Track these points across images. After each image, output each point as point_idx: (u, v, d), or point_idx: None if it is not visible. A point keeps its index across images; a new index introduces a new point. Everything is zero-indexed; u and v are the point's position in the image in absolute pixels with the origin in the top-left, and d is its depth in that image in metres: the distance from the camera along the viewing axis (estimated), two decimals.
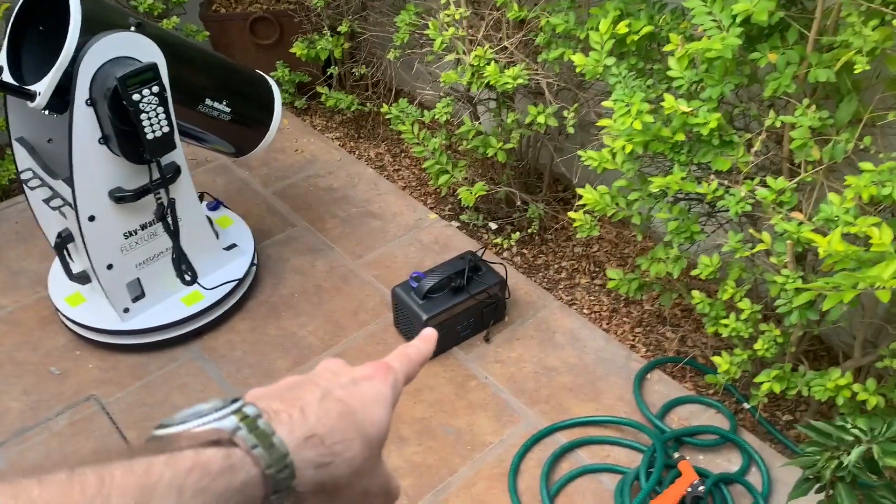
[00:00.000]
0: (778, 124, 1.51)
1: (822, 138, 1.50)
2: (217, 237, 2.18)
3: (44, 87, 1.66)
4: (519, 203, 2.41)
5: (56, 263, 2.18)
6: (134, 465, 0.42)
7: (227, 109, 2.01)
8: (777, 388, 1.66)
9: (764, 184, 1.52)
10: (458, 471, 1.80)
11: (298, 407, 0.50)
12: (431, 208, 2.61)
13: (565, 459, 1.82)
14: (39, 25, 1.77)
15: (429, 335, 0.65)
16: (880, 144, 1.51)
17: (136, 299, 2.02)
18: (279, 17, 2.84)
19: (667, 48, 1.59)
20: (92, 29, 1.67)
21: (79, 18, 1.63)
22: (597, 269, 2.37)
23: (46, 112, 1.73)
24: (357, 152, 2.88)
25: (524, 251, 2.43)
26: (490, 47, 2.00)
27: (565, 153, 2.37)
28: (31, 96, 1.67)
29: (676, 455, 1.75)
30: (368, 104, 2.86)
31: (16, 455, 1.82)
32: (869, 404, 1.55)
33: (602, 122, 1.61)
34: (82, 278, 2.06)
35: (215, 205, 2.40)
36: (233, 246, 2.22)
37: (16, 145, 1.93)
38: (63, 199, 1.88)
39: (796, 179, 1.49)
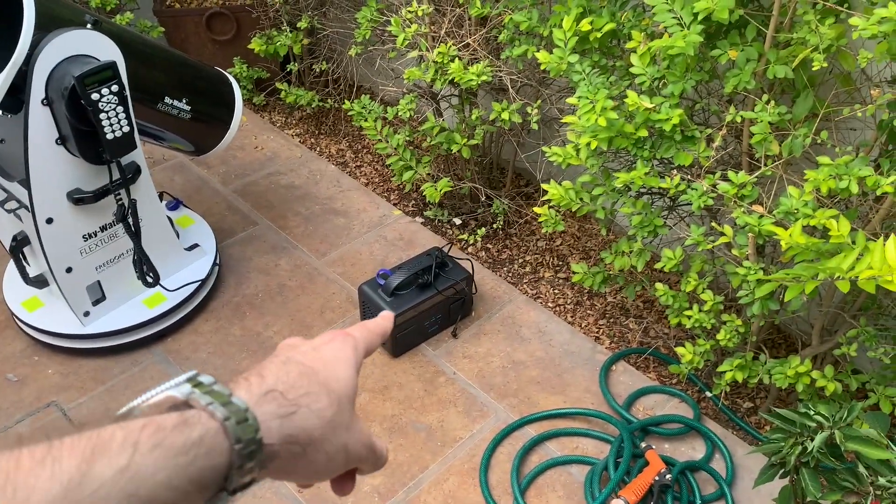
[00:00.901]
0: (738, 120, 1.54)
1: (781, 133, 1.54)
2: (178, 237, 2.15)
3: None
4: (483, 199, 2.42)
5: (10, 267, 2.12)
6: (84, 431, 0.41)
7: (188, 108, 1.98)
8: (740, 377, 1.70)
9: (725, 178, 1.56)
10: (429, 467, 1.80)
11: (256, 372, 0.50)
12: (395, 204, 2.60)
13: (535, 452, 1.84)
14: None
15: (386, 314, 0.67)
16: (835, 139, 1.56)
17: (96, 302, 1.98)
18: (236, 13, 2.80)
19: (629, 45, 1.62)
20: (46, 26, 1.63)
21: (32, 15, 1.59)
22: (560, 263, 2.40)
23: (0, 112, 1.67)
24: (318, 149, 2.86)
25: (489, 246, 2.45)
26: (453, 44, 2.00)
27: (527, 149, 2.39)
28: None
29: (643, 444, 1.79)
30: (329, 101, 2.84)
31: None
32: (827, 390, 1.60)
33: (567, 119, 1.63)
34: (39, 282, 2.01)
35: (175, 204, 2.36)
36: (194, 246, 2.19)
37: None
38: (19, 201, 1.83)
39: (757, 173, 1.52)
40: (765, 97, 1.50)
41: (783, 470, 1.32)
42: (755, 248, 1.54)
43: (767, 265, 1.59)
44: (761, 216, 1.47)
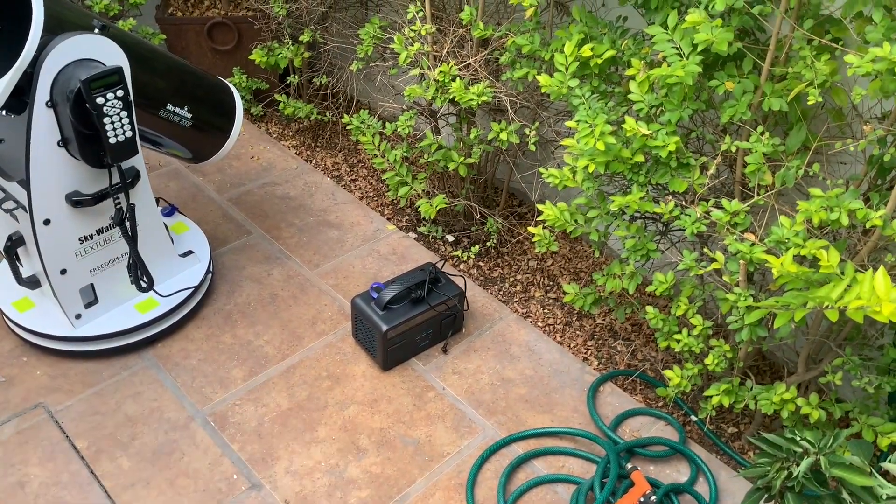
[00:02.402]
0: (733, 149, 1.58)
1: (774, 164, 1.58)
2: (172, 243, 2.15)
3: (1, 87, 1.62)
4: (477, 217, 2.45)
5: (2, 267, 2.12)
6: None
7: (189, 115, 1.99)
8: (726, 401, 1.73)
9: (718, 205, 1.59)
10: (416, 482, 1.81)
11: None
12: (389, 219, 2.62)
13: (522, 470, 1.85)
14: None
15: None
16: (826, 171, 1.60)
17: (88, 305, 1.98)
18: (238, 24, 2.83)
19: (628, 72, 1.65)
20: (53, 29, 1.64)
21: (41, 18, 1.60)
22: (551, 283, 2.42)
23: (3, 112, 1.68)
24: (314, 161, 2.87)
25: (480, 264, 2.47)
26: (454, 64, 2.03)
27: (522, 170, 2.43)
28: None
29: (629, 465, 1.81)
30: (327, 114, 2.86)
31: None
32: (812, 418, 1.63)
33: (565, 142, 1.66)
34: (32, 283, 2.01)
35: (170, 210, 2.37)
36: (189, 253, 2.19)
37: None
38: (16, 201, 1.83)
39: (749, 202, 1.56)
40: (759, 128, 1.54)
41: (768, 494, 1.34)
42: (746, 275, 1.57)
43: (756, 293, 1.62)
44: (753, 244, 1.50)
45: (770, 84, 1.54)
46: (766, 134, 1.53)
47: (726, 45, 1.45)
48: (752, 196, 1.59)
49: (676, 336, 1.77)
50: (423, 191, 2.36)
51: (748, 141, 1.55)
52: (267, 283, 2.31)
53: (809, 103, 1.41)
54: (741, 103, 1.55)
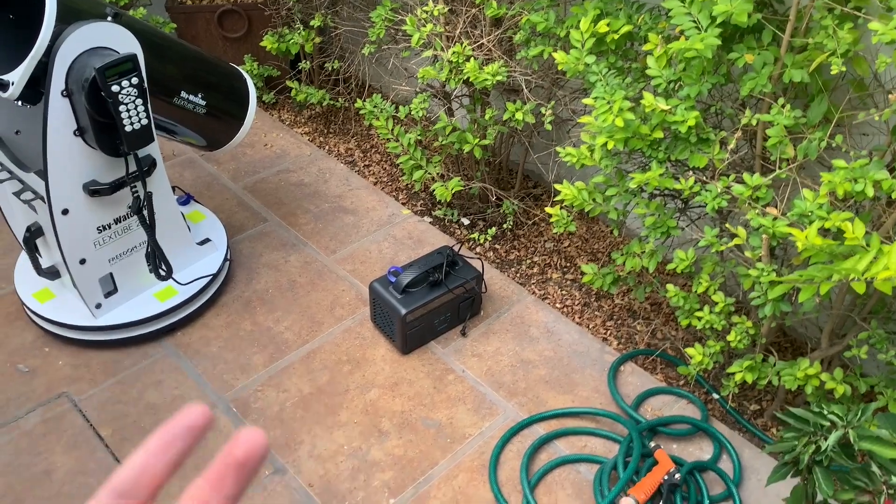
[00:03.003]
0: (753, 123, 1.56)
1: (795, 137, 1.56)
2: (189, 232, 2.15)
3: (17, 77, 1.62)
4: (493, 199, 2.43)
5: (21, 258, 2.13)
6: None
7: (203, 103, 1.99)
8: (749, 378, 1.71)
9: (739, 180, 1.57)
10: (438, 463, 1.81)
11: None
12: (404, 204, 2.62)
13: (544, 450, 1.85)
14: (9, 14, 1.73)
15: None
16: (849, 143, 1.58)
17: (108, 294, 1.98)
18: (248, 10, 2.82)
19: (645, 47, 1.63)
20: (66, 18, 1.64)
21: (54, 6, 1.60)
22: (568, 265, 2.41)
23: (19, 103, 1.68)
24: (327, 147, 2.87)
25: (496, 246, 2.46)
26: (468, 44, 2.02)
27: (537, 150, 2.41)
28: (4, 86, 1.63)
29: (652, 444, 1.80)
30: (340, 99, 2.85)
31: None
32: (836, 393, 1.62)
33: (583, 119, 1.64)
34: (52, 273, 2.02)
35: (186, 199, 2.37)
36: (206, 241, 2.20)
37: None
38: (35, 192, 1.83)
39: (771, 176, 1.54)
40: (780, 101, 1.52)
41: (795, 468, 1.33)
42: (768, 250, 1.56)
43: (779, 267, 1.60)
44: (775, 218, 1.49)
45: (790, 55, 1.51)
46: (787, 106, 1.51)
47: (746, 17, 1.42)
48: (774, 170, 1.57)
49: (698, 314, 1.76)
50: (438, 174, 2.35)
51: (769, 114, 1.53)
52: (284, 269, 2.31)
53: (833, 73, 1.38)
54: (761, 76, 1.53)
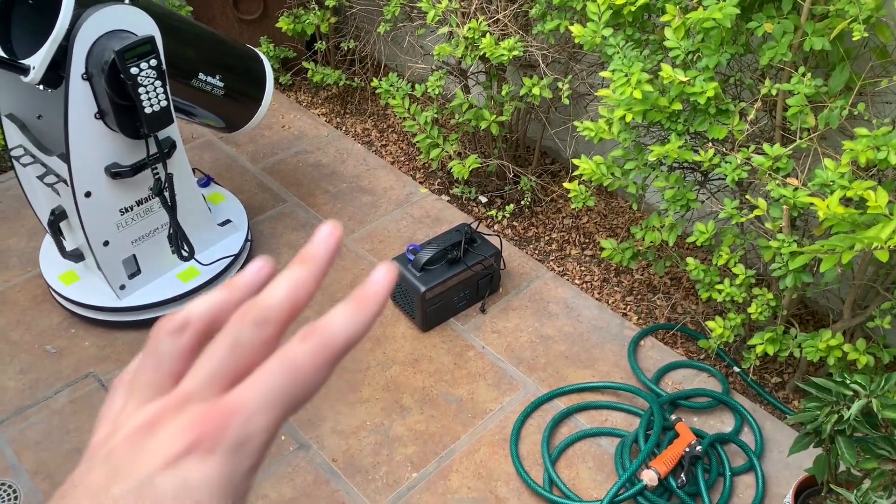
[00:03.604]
0: (773, 92, 1.54)
1: (816, 106, 1.54)
2: (210, 213, 2.17)
3: (38, 62, 1.64)
4: (511, 176, 2.43)
5: (46, 242, 2.16)
6: None
7: (221, 84, 2.00)
8: (770, 350, 1.71)
9: (759, 151, 1.56)
10: (460, 438, 1.83)
11: None
12: (421, 182, 2.62)
13: (565, 424, 1.86)
14: None
15: (375, 287, 0.36)
16: (872, 111, 1.56)
17: (132, 276, 2.01)
18: None
19: (663, 19, 1.62)
20: (85, 1, 1.65)
21: None
22: (586, 241, 2.41)
23: (41, 87, 1.70)
24: (344, 128, 2.87)
25: (514, 223, 2.46)
26: (483, 20, 2.01)
27: (554, 126, 2.40)
28: (25, 71, 1.65)
29: (673, 417, 1.80)
30: (356, 79, 2.85)
31: (17, 433, 1.82)
32: (859, 363, 1.61)
33: (601, 92, 1.63)
34: (76, 256, 2.04)
35: (206, 181, 2.39)
36: (227, 222, 2.22)
37: (5, 122, 1.90)
38: (57, 175, 1.86)
39: (792, 146, 1.53)
40: (801, 69, 1.50)
41: (818, 438, 1.33)
42: (789, 221, 1.55)
43: (800, 238, 1.59)
44: (796, 188, 1.48)
45: (811, 23, 1.50)
46: (808, 75, 1.49)
47: None
48: (794, 140, 1.56)
49: (718, 286, 1.75)
50: (455, 152, 2.35)
51: (789, 83, 1.51)
52: None
53: (854, 39, 1.37)
54: (781, 44, 1.51)
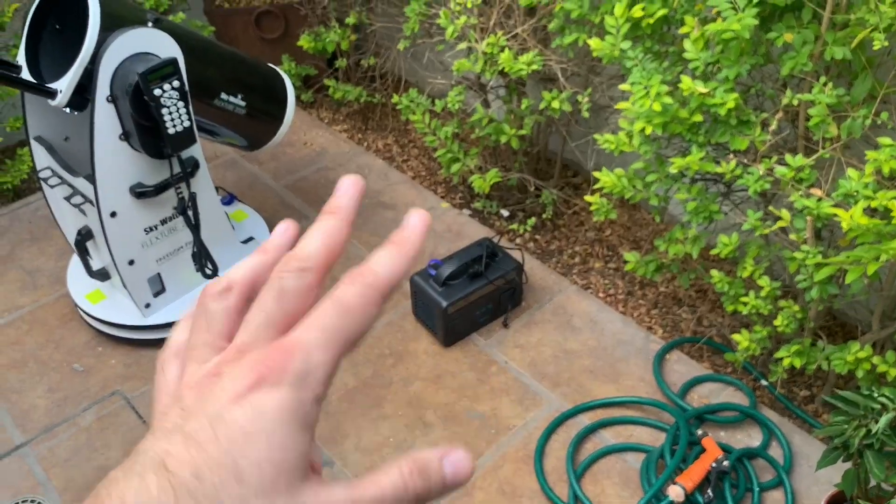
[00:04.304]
0: (795, 103, 1.53)
1: (838, 115, 1.53)
2: (233, 230, 2.20)
3: (65, 85, 1.67)
4: (532, 189, 2.43)
5: (73, 261, 2.20)
6: None
7: (243, 103, 2.02)
8: (798, 363, 1.68)
9: (781, 162, 1.54)
10: (483, 454, 1.82)
11: (116, 493, 0.31)
12: (442, 197, 2.63)
13: (589, 440, 1.85)
14: (56, 24, 1.78)
15: (411, 231, 0.37)
16: (894, 120, 1.54)
17: (157, 294, 2.03)
18: (284, 11, 2.85)
19: (682, 30, 1.61)
20: (109, 26, 1.68)
21: (98, 16, 1.64)
22: (610, 253, 2.39)
23: (67, 110, 1.74)
24: (365, 144, 2.89)
25: (537, 237, 2.46)
26: (502, 34, 2.01)
27: (575, 139, 2.40)
28: (53, 94, 1.68)
29: (699, 432, 1.78)
30: (377, 96, 2.87)
31: (46, 451, 1.84)
32: (889, 376, 1.58)
33: (620, 105, 1.63)
34: (102, 275, 2.07)
35: (229, 199, 2.42)
36: (250, 239, 2.24)
37: (34, 144, 1.94)
38: (84, 196, 1.89)
39: (815, 156, 1.51)
40: (822, 79, 1.49)
41: (846, 453, 1.31)
42: (813, 232, 1.53)
43: (825, 249, 1.57)
44: (820, 199, 1.46)
45: (832, 32, 1.48)
46: (830, 84, 1.48)
47: None
48: (817, 150, 1.54)
49: (743, 299, 1.73)
50: (476, 166, 2.35)
51: (810, 93, 1.50)
52: None
53: (875, 49, 1.35)
54: (801, 54, 1.50)
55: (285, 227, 0.40)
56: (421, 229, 0.38)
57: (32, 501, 1.74)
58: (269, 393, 0.32)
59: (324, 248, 0.36)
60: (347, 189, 0.38)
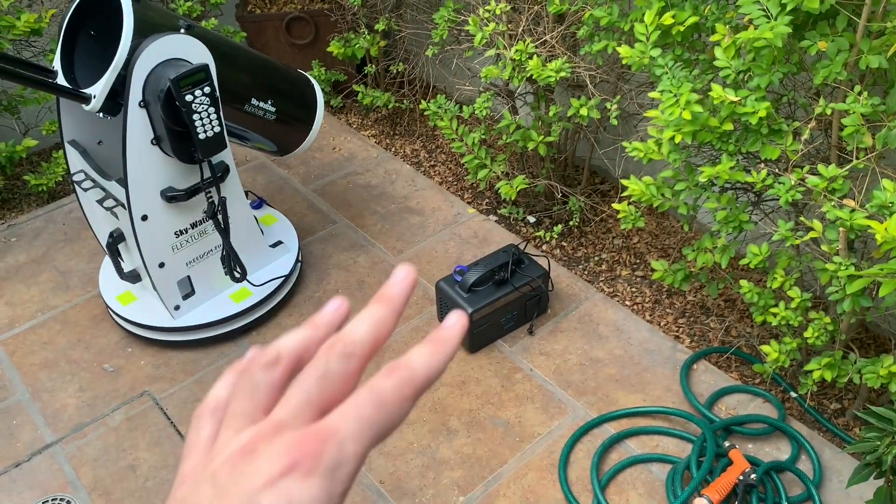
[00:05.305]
0: (828, 112, 1.51)
1: (873, 125, 1.50)
2: (262, 234, 2.22)
3: (99, 90, 1.70)
4: (559, 196, 2.42)
5: (105, 263, 2.23)
6: None
7: (273, 109, 2.04)
8: (828, 376, 1.66)
9: (814, 172, 1.52)
10: (507, 462, 1.81)
11: None
12: (469, 203, 2.63)
13: (614, 450, 1.83)
14: (91, 30, 1.81)
15: (449, 332, 0.38)
16: None
17: (186, 297, 2.06)
18: (315, 17, 2.87)
19: (713, 38, 1.60)
20: (143, 32, 1.71)
21: (131, 22, 1.67)
22: (637, 261, 2.37)
23: (101, 115, 1.76)
24: (393, 149, 2.90)
25: (563, 244, 2.44)
26: (531, 41, 2.01)
27: (604, 146, 2.38)
28: (87, 99, 1.71)
29: (726, 444, 1.76)
30: (405, 101, 2.88)
31: (75, 450, 1.87)
32: None
33: (649, 113, 1.62)
34: (133, 277, 2.10)
35: (258, 203, 2.44)
36: (278, 243, 2.25)
37: (68, 147, 1.97)
38: (116, 199, 1.92)
39: (848, 166, 1.48)
40: (856, 88, 1.46)
41: (878, 470, 1.28)
42: (846, 244, 1.50)
43: (858, 261, 1.54)
44: (853, 210, 1.43)
45: (867, 41, 1.46)
46: (864, 94, 1.45)
47: (818, 3, 1.38)
48: (850, 160, 1.52)
49: (773, 310, 1.71)
50: (503, 172, 2.35)
51: (844, 102, 1.48)
52: (353, 270, 2.36)
53: None
54: (836, 63, 1.47)
55: (337, 305, 0.40)
56: (459, 331, 0.38)
57: (62, 500, 1.77)
58: (302, 482, 0.32)
59: (370, 336, 0.37)
60: (401, 280, 0.39)
